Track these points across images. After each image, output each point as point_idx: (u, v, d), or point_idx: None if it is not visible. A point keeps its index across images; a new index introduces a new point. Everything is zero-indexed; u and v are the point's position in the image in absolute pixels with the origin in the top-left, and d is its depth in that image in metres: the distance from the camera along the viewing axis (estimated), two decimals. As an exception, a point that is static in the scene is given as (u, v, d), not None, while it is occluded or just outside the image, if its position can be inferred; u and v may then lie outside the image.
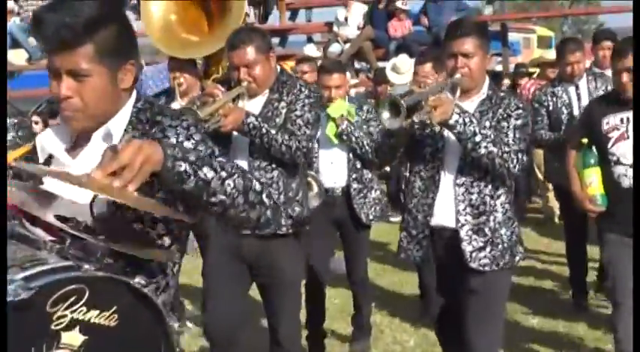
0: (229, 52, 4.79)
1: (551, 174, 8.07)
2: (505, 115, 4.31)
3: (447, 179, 4.35)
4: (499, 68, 14.55)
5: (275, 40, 17.43)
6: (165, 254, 2.57)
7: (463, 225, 4.30)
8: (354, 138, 5.96)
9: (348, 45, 14.65)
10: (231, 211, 2.45)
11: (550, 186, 10.95)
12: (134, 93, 2.60)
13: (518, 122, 4.29)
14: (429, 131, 4.36)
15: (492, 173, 4.25)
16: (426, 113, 4.07)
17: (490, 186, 4.31)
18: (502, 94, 4.46)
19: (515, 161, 4.21)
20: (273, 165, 4.74)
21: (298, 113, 4.73)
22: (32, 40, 15.16)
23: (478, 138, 4.12)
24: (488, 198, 4.31)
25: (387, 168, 9.83)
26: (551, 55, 11.08)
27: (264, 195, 2.53)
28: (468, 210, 4.30)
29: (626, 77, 4.94)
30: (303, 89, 4.81)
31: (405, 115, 3.95)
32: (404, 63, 11.38)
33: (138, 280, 2.42)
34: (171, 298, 2.68)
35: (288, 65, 14.55)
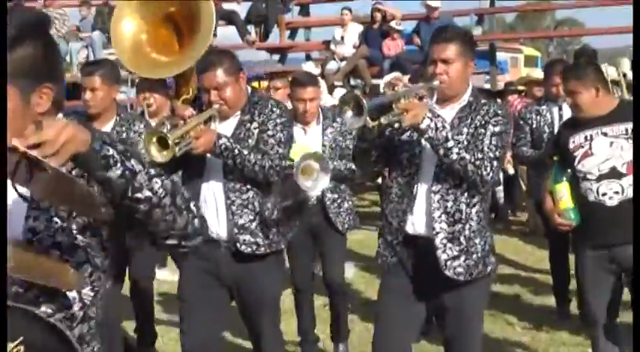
0: (199, 75, 4.68)
1: (532, 189, 8.08)
2: (484, 122, 4.08)
3: (422, 186, 4.12)
4: (487, 86, 14.58)
5: (275, 58, 17.56)
6: (75, 280, 2.26)
7: (438, 233, 4.06)
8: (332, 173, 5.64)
9: (344, 63, 14.69)
10: (157, 211, 2.21)
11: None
12: (59, 116, 2.35)
13: (497, 129, 4.07)
14: (407, 136, 4.14)
15: (466, 180, 4.03)
16: (397, 115, 3.85)
17: (466, 194, 4.09)
18: (483, 101, 4.20)
19: (488, 168, 4.00)
20: (248, 186, 4.59)
21: (270, 133, 4.59)
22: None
23: (450, 144, 3.92)
24: (463, 206, 4.09)
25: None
26: (537, 73, 11.10)
27: (191, 204, 2.35)
28: (444, 217, 4.07)
29: (569, 100, 5.06)
30: (274, 109, 4.66)
31: (367, 115, 3.73)
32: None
33: (44, 309, 2.20)
34: (93, 330, 2.40)
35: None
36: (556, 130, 6.56)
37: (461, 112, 4.13)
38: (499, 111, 4.11)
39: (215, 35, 16.20)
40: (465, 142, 3.99)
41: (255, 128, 4.61)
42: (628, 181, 4.83)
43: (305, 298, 6.32)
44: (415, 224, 4.12)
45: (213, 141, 4.38)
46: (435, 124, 3.87)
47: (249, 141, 4.58)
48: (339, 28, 15.57)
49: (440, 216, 4.05)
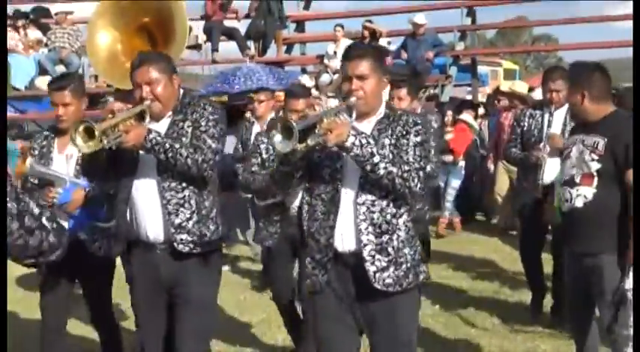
0: (132, 71, 4.40)
1: (518, 191, 7.82)
2: (404, 132, 3.84)
3: (347, 199, 3.82)
4: (469, 97, 14.65)
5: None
6: None
7: (366, 245, 3.78)
8: None
9: (337, 75, 14.74)
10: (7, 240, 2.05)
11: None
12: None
13: (418, 139, 3.82)
14: (327, 152, 3.86)
15: (394, 193, 3.77)
16: (321, 136, 3.60)
17: (392, 205, 3.82)
18: (400, 112, 3.97)
19: (416, 180, 3.76)
20: (184, 185, 4.35)
21: (203, 128, 4.37)
22: (58, 69, 15.28)
23: (376, 159, 3.67)
24: (390, 217, 3.81)
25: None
26: (518, 86, 11.02)
27: (43, 219, 2.19)
28: (370, 229, 3.78)
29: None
30: (207, 107, 4.45)
31: (297, 138, 3.47)
32: (385, 92, 11.51)
33: None
34: None
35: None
36: (544, 135, 6.51)
37: (379, 124, 3.90)
38: (418, 121, 3.89)
39: (216, 50, 16.45)
40: (390, 155, 3.77)
41: (188, 126, 4.39)
42: (577, 192, 4.73)
43: (285, 307, 6.08)
44: (343, 239, 3.82)
45: (144, 136, 4.17)
46: (360, 141, 3.64)
47: (183, 139, 4.36)
48: (332, 44, 15.62)
49: (367, 228, 3.79)
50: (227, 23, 16.43)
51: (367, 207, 3.78)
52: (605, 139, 4.65)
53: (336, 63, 14.67)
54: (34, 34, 15.87)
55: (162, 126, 4.40)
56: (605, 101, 4.77)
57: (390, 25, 16.21)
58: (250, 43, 16.55)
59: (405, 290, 3.81)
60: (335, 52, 15.11)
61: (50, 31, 16.00)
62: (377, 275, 3.76)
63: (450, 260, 9.52)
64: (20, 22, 15.79)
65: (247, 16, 16.66)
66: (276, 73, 12.87)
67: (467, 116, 11.92)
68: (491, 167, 11.69)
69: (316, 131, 3.60)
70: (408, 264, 3.83)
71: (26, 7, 16.15)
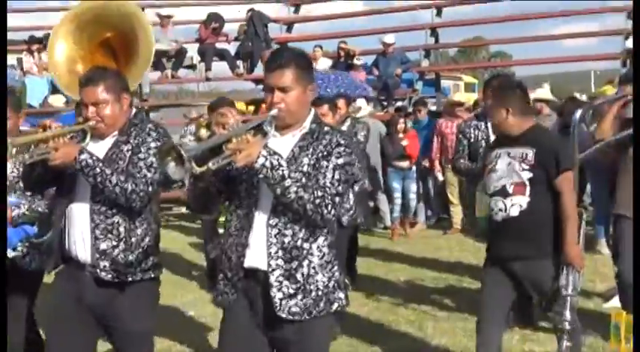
0: (80, 88, 3.86)
1: (466, 198, 7.64)
2: (326, 153, 3.24)
3: (260, 218, 3.27)
4: (433, 108, 14.71)
5: (259, 87, 17.56)
6: None
7: (274, 270, 3.22)
8: None
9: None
10: None
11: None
12: None
13: (340, 161, 3.23)
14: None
15: (305, 219, 3.20)
16: (228, 157, 3.08)
17: (305, 229, 3.24)
18: (326, 129, 3.34)
19: (330, 207, 3.17)
20: (114, 210, 3.76)
21: (141, 156, 3.77)
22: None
23: (287, 183, 3.09)
24: (302, 242, 3.24)
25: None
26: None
27: None
28: (280, 253, 3.22)
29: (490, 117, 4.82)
30: (151, 132, 3.84)
31: (189, 163, 2.93)
32: (361, 103, 11.63)
33: None
34: None
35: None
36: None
37: (302, 140, 3.31)
38: (342, 141, 3.28)
39: (210, 69, 16.44)
40: (304, 179, 3.17)
41: (128, 150, 3.81)
42: (511, 201, 4.54)
43: None
44: (254, 259, 3.28)
45: (74, 156, 3.63)
46: (271, 163, 3.08)
47: (121, 162, 3.78)
48: (312, 62, 15.67)
49: (276, 252, 3.23)
50: (219, 45, 16.47)
51: (279, 229, 3.24)
52: (534, 150, 4.53)
53: (315, 79, 14.74)
54: (47, 57, 15.80)
55: (104, 145, 3.86)
56: (526, 116, 4.69)
57: (362, 45, 16.31)
58: (239, 63, 16.59)
59: (315, 318, 3.26)
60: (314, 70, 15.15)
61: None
62: (283, 302, 3.22)
63: (429, 260, 9.41)
64: (35, 47, 15.68)
65: (236, 39, 16.68)
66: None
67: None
68: (439, 175, 11.52)
69: (224, 151, 3.08)
70: (320, 292, 3.27)
71: (39, 33, 16.06)
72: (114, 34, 4.63)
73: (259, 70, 16.77)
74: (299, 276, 3.24)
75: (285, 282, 3.23)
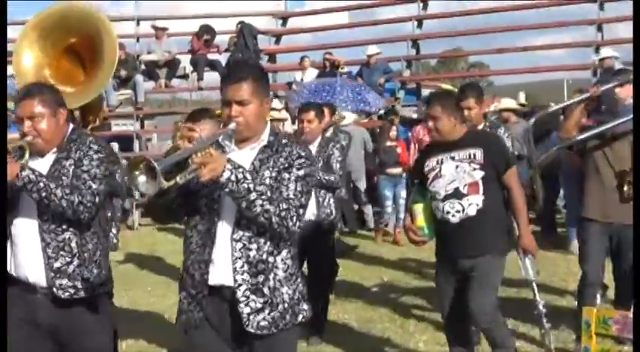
0: (16, 104, 3.65)
1: None
2: (287, 165, 3.11)
3: (223, 233, 3.10)
4: (415, 116, 14.72)
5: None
6: None
7: (240, 285, 3.07)
8: None
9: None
10: None
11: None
12: None
13: (301, 172, 3.11)
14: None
15: (270, 232, 3.07)
16: (193, 171, 2.91)
17: (269, 242, 3.10)
18: (284, 141, 3.20)
19: (295, 218, 3.05)
20: (64, 226, 3.55)
21: (85, 168, 3.57)
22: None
23: (253, 196, 2.96)
24: (267, 255, 3.10)
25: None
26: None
27: None
28: (246, 267, 3.07)
29: (430, 124, 4.65)
30: (92, 145, 3.64)
31: (161, 180, 2.79)
32: (346, 111, 11.65)
33: None
34: None
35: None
36: None
37: (262, 153, 3.17)
38: (302, 153, 3.17)
39: (202, 79, 16.42)
40: (269, 192, 3.04)
41: (70, 165, 3.59)
42: (468, 201, 4.54)
43: None
44: (218, 275, 3.11)
45: (15, 173, 3.37)
46: (236, 176, 2.96)
47: (64, 178, 3.56)
48: (299, 72, 15.66)
49: (242, 267, 3.08)
50: (210, 56, 16.47)
51: (244, 243, 3.09)
52: (482, 149, 4.57)
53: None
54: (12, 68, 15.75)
55: (45, 163, 3.63)
56: (461, 122, 4.72)
57: (347, 56, 16.32)
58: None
59: (282, 331, 3.14)
60: (302, 79, 15.16)
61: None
62: (251, 317, 3.08)
63: (412, 260, 9.39)
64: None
65: (227, 50, 16.64)
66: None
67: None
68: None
69: (189, 165, 2.93)
70: (286, 305, 3.15)
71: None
72: (78, 39, 4.40)
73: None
74: (265, 290, 3.11)
75: (252, 297, 3.09)
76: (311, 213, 5.98)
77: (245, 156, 3.17)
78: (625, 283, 5.38)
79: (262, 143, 3.20)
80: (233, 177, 2.95)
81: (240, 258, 3.08)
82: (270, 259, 3.12)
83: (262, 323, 3.09)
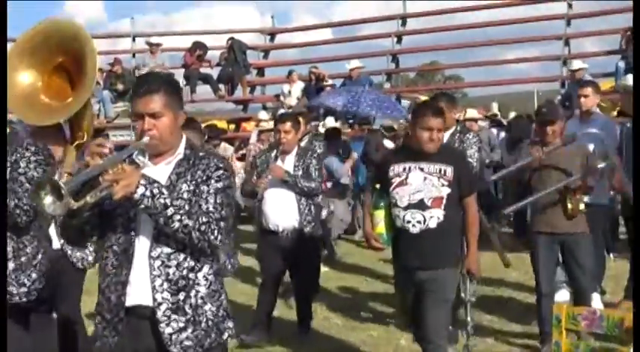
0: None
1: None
2: (205, 178, 2.83)
3: (141, 251, 2.79)
4: (395, 126, 14.72)
5: (239, 107, 17.62)
6: None
7: (160, 304, 2.76)
8: None
9: (290, 110, 14.79)
10: None
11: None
12: None
13: (219, 185, 2.83)
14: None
15: (191, 247, 2.79)
16: (105, 189, 2.62)
17: (190, 258, 2.81)
18: (201, 154, 2.92)
19: (216, 232, 2.78)
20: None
21: (21, 170, 3.38)
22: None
23: (170, 212, 2.68)
24: (187, 272, 2.81)
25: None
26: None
27: None
28: (165, 285, 2.77)
29: (426, 135, 4.30)
30: (29, 147, 3.46)
31: (68, 200, 2.50)
32: (330, 122, 11.63)
33: None
34: None
35: (251, 124, 14.82)
36: None
37: (178, 167, 2.88)
38: (220, 165, 2.89)
39: (194, 91, 16.39)
40: (187, 206, 2.76)
41: (7, 168, 3.40)
42: (430, 214, 4.30)
43: None
44: (137, 296, 2.79)
45: None
46: (152, 191, 2.67)
47: None
48: (286, 85, 15.66)
49: (161, 285, 2.77)
50: (202, 70, 16.47)
51: (162, 261, 2.79)
52: (452, 167, 4.35)
53: (290, 100, 14.75)
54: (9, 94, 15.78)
55: None
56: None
57: (331, 70, 16.36)
58: (221, 86, 16.58)
59: (208, 350, 2.85)
60: (289, 92, 15.17)
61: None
62: (173, 337, 2.77)
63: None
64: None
65: (218, 65, 16.66)
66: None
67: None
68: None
69: (101, 183, 2.64)
70: (210, 322, 2.85)
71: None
72: (64, 58, 4.12)
73: (239, 92, 16.82)
74: (187, 308, 2.80)
75: (174, 316, 2.78)
76: (294, 219, 5.95)
77: (161, 171, 2.87)
78: (579, 284, 5.38)
79: (178, 156, 2.91)
80: (148, 193, 2.67)
81: (159, 276, 2.78)
82: (191, 276, 2.82)
83: (186, 343, 2.79)
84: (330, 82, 15.29)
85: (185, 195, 2.79)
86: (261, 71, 18.18)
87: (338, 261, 9.26)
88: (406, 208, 4.30)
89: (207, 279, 2.85)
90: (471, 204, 4.48)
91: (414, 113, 4.57)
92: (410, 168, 4.34)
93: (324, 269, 7.55)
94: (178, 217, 2.70)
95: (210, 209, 2.79)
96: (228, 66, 16.31)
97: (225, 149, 11.92)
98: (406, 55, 18.28)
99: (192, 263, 2.82)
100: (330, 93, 13.71)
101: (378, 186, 4.59)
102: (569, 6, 16.00)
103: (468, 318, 4.99)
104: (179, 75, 16.38)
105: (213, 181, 2.83)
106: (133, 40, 17.73)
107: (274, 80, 17.93)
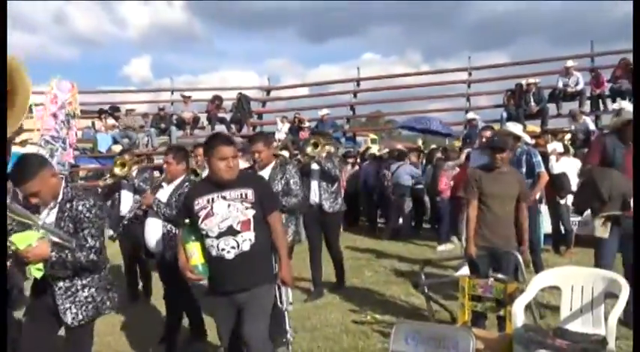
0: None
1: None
2: (77, 213, 2.75)
3: None
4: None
5: (245, 140, 17.53)
6: None
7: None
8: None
9: (280, 142, 14.80)
10: None
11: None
12: None
13: (89, 216, 2.74)
14: None
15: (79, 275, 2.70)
16: (24, 264, 2.39)
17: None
18: (73, 193, 2.76)
19: (92, 255, 2.79)
20: None
21: None
22: (124, 141, 14.98)
23: (70, 257, 2.59)
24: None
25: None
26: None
27: None
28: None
29: (223, 164, 3.32)
30: None
31: None
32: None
33: None
34: None
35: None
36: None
37: (60, 212, 2.83)
38: (91, 200, 2.84)
39: (214, 129, 16.29)
40: (74, 245, 2.58)
41: None
42: (242, 237, 3.29)
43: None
44: None
45: None
46: (58, 252, 2.53)
47: None
48: (278, 125, 15.64)
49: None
50: (220, 115, 16.40)
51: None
52: (252, 190, 3.37)
53: (280, 136, 14.77)
54: (110, 121, 15.68)
55: None
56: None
57: (308, 115, 16.35)
58: (232, 126, 16.56)
59: None
60: (280, 129, 15.22)
61: (120, 119, 15.75)
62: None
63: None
64: (102, 115, 15.60)
65: (230, 111, 16.60)
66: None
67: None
68: None
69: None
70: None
71: (105, 106, 15.96)
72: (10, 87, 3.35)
73: (245, 130, 16.83)
74: None
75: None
76: (161, 245, 4.48)
77: (50, 220, 2.85)
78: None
79: (59, 198, 2.87)
80: (54, 254, 2.56)
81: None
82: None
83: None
84: (307, 124, 15.33)
85: (70, 236, 2.58)
86: (260, 116, 18.18)
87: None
88: (218, 237, 3.30)
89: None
90: (274, 221, 3.43)
91: (208, 146, 3.41)
92: (213, 198, 3.34)
93: None
94: (72, 258, 2.55)
95: (90, 241, 2.72)
96: (238, 112, 16.34)
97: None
98: (360, 106, 18.45)
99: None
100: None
101: (187, 221, 3.45)
102: (469, 74, 16.58)
103: (287, 327, 3.71)
104: (203, 118, 16.39)
105: (84, 215, 2.74)
106: (172, 93, 17.70)
107: (269, 122, 17.92)
